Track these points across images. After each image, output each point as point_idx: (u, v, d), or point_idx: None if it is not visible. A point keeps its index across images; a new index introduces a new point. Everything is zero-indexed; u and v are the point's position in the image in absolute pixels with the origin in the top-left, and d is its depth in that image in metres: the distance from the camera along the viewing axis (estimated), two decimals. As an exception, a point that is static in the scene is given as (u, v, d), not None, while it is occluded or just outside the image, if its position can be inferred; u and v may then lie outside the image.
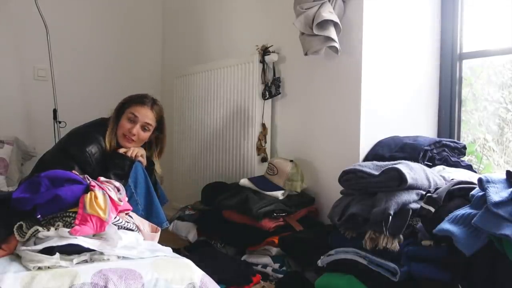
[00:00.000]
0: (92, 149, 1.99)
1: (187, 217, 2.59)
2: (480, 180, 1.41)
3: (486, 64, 2.31)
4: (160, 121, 2.17)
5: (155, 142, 2.22)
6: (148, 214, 2.01)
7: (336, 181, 1.88)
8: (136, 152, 2.08)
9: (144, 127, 2.10)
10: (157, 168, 2.22)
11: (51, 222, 1.46)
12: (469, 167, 2.02)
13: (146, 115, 2.10)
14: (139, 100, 2.12)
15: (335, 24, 2.12)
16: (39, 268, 1.34)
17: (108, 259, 1.43)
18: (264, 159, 2.62)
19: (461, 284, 1.34)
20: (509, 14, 2.15)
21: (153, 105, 2.13)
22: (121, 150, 2.07)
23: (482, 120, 2.32)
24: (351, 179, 1.82)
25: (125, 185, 1.94)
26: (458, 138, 2.31)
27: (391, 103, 2.25)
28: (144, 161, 2.11)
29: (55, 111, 3.09)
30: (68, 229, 1.42)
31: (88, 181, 1.60)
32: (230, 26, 3.02)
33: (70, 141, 2.04)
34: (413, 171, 1.68)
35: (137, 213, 1.89)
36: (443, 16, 2.35)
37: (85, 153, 1.96)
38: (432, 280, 1.45)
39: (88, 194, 1.52)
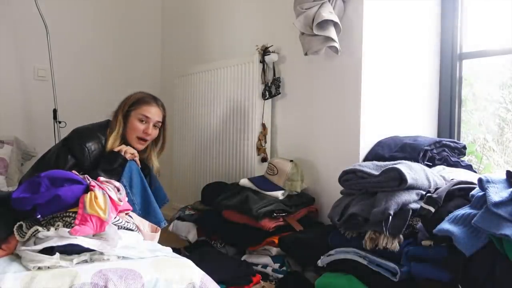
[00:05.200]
0: (92, 146, 2.02)
1: (187, 217, 2.59)
2: (480, 180, 1.41)
3: (486, 64, 2.31)
4: (164, 117, 2.23)
5: (155, 139, 2.24)
6: (146, 213, 2.01)
7: (336, 181, 1.88)
8: (131, 151, 2.08)
9: (155, 125, 2.16)
10: (155, 162, 2.25)
11: (51, 222, 1.47)
12: (469, 167, 2.02)
13: (157, 113, 2.16)
14: (147, 100, 2.16)
15: (335, 24, 2.12)
16: (39, 268, 1.34)
17: (108, 259, 1.43)
18: (264, 159, 2.62)
19: (461, 284, 1.34)
20: (509, 14, 2.15)
21: (158, 103, 2.19)
22: (115, 149, 2.07)
23: (482, 120, 2.32)
24: (351, 179, 1.82)
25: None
26: (458, 138, 2.31)
27: (391, 103, 2.25)
28: (137, 161, 2.11)
29: (55, 111, 3.09)
30: (68, 229, 1.42)
31: (88, 181, 1.60)
32: (230, 26, 3.02)
33: (72, 136, 2.06)
34: (413, 171, 1.68)
35: (134, 213, 1.89)
36: (443, 16, 2.35)
37: (84, 148, 1.99)
38: (432, 280, 1.45)
39: (88, 194, 1.52)
